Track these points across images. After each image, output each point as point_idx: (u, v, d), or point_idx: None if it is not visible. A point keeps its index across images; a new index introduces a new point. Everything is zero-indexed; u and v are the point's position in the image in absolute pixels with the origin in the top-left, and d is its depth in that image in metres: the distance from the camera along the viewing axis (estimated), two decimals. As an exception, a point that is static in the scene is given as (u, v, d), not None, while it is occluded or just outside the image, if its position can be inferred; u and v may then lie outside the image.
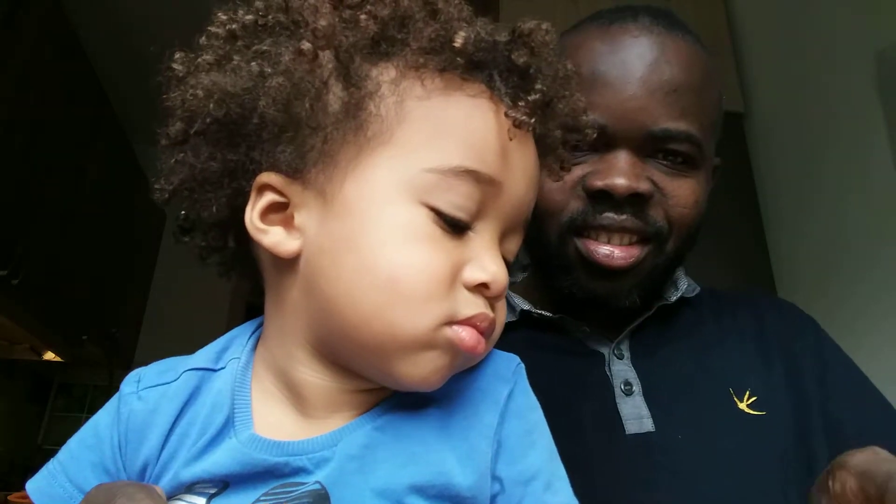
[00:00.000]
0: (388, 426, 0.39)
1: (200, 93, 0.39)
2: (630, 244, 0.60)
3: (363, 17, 0.38)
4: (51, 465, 0.42)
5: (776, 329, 0.69)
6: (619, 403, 0.61)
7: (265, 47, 0.39)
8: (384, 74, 0.38)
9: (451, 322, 0.37)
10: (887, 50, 1.40)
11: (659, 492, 0.56)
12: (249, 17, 0.41)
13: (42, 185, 1.97)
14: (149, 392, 0.42)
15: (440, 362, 0.38)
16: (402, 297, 0.36)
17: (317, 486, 0.36)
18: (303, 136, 0.38)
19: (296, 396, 0.41)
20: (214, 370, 0.43)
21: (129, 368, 0.44)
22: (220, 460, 0.38)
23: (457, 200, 0.37)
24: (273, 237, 0.39)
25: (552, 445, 0.42)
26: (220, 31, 0.41)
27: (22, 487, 0.41)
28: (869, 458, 0.39)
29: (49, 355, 2.47)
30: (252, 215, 0.39)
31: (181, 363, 0.44)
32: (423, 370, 0.37)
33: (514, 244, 0.43)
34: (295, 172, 0.38)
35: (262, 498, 0.37)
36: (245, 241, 0.42)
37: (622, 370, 0.63)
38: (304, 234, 0.39)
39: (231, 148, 0.40)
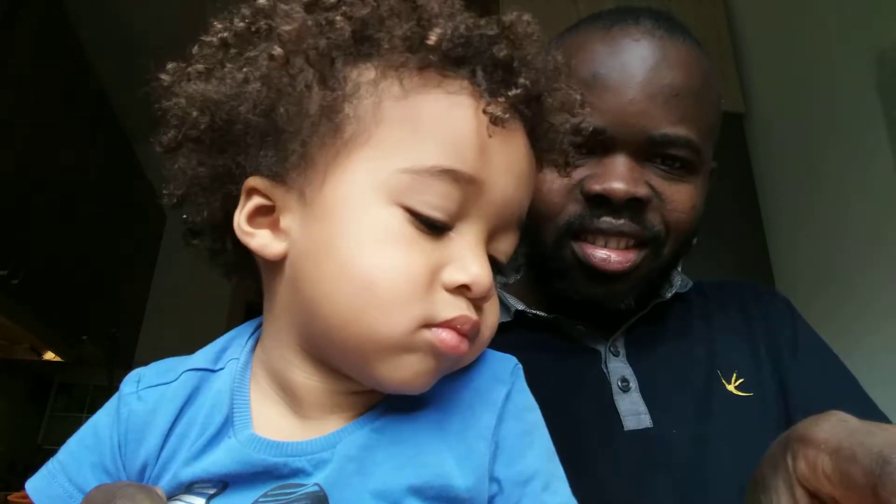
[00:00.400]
0: (387, 428, 0.39)
1: (184, 101, 0.40)
2: (627, 248, 0.60)
3: (339, 18, 0.38)
4: (50, 465, 0.42)
5: (758, 313, 0.70)
6: (616, 400, 0.61)
7: (253, 54, 0.39)
8: (364, 75, 0.38)
9: (429, 324, 0.36)
10: (887, 50, 1.40)
11: (658, 487, 0.57)
12: (241, 24, 0.41)
13: (42, 185, 1.97)
14: (148, 392, 0.42)
15: (423, 366, 0.37)
16: (377, 299, 0.36)
17: (315, 489, 0.36)
18: (283, 140, 0.38)
19: (291, 398, 0.41)
20: (214, 371, 0.43)
21: (129, 368, 0.44)
22: (219, 460, 0.38)
23: (433, 200, 0.37)
24: (259, 240, 0.40)
25: (550, 446, 0.42)
26: (213, 39, 0.41)
27: (22, 487, 0.41)
28: (838, 430, 0.34)
29: (49, 355, 2.47)
30: (239, 219, 0.40)
31: (181, 363, 0.44)
32: (405, 373, 0.37)
33: (506, 244, 0.42)
34: (278, 176, 0.39)
35: (260, 499, 0.37)
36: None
37: (618, 367, 0.63)
38: (289, 237, 0.39)
39: (219, 154, 0.40)
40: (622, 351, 0.65)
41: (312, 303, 0.38)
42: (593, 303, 0.62)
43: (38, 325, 2.12)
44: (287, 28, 0.38)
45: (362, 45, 0.38)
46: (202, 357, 0.44)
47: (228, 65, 0.40)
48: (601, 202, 0.59)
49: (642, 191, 0.58)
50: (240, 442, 0.38)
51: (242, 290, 3.12)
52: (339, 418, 0.40)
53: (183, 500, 0.37)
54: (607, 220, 0.59)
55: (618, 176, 0.58)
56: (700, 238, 0.66)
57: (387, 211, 0.37)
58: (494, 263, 0.41)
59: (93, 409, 0.43)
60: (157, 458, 0.40)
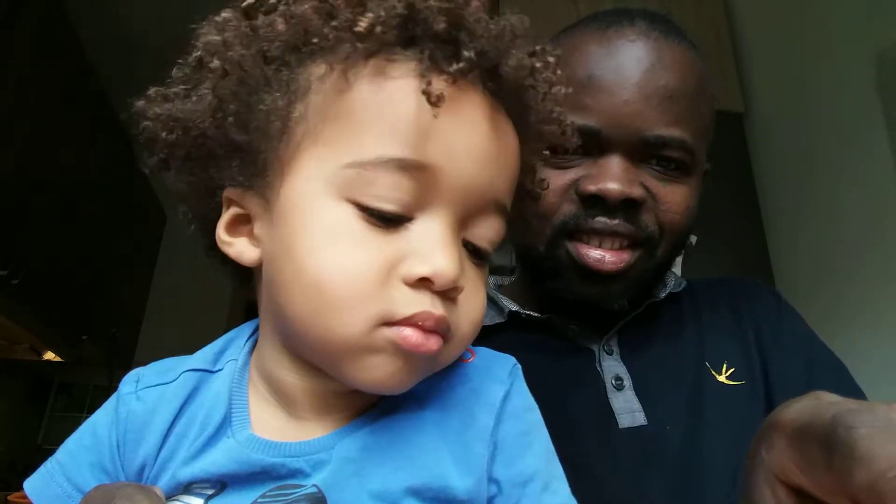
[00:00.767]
0: (385, 428, 0.39)
1: (150, 123, 0.40)
2: (621, 248, 0.60)
3: (279, 19, 0.37)
4: (49, 465, 0.42)
5: (746, 305, 0.71)
6: (610, 398, 0.61)
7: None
8: (314, 73, 0.37)
9: (389, 322, 0.35)
10: (887, 50, 1.40)
11: (654, 483, 0.57)
12: (202, 41, 0.41)
13: (42, 185, 1.97)
14: (147, 392, 0.42)
15: (392, 366, 0.36)
16: (328, 301, 0.35)
17: (313, 490, 0.36)
18: (244, 149, 0.38)
19: (284, 399, 0.41)
20: (212, 372, 0.43)
21: (129, 368, 0.44)
22: (217, 460, 0.38)
23: (382, 193, 0.35)
24: (236, 248, 0.40)
25: (550, 446, 0.42)
26: (190, 59, 0.41)
27: (22, 487, 0.41)
28: (804, 409, 0.28)
29: (49, 355, 2.47)
30: (219, 228, 0.41)
31: (180, 363, 0.44)
32: (375, 374, 0.36)
33: (486, 230, 0.39)
34: (246, 184, 0.39)
35: (259, 500, 0.37)
36: None
37: (612, 366, 0.64)
38: (262, 243, 0.39)
39: (200, 169, 0.41)
40: (616, 350, 0.65)
41: (280, 307, 0.38)
42: (587, 303, 0.62)
43: (38, 325, 2.12)
44: (214, 39, 0.38)
45: (308, 43, 0.37)
46: (201, 358, 0.44)
47: (192, 83, 0.40)
48: (596, 202, 0.59)
49: (637, 191, 0.58)
50: (238, 442, 0.38)
51: (242, 291, 3.11)
52: (335, 419, 0.40)
53: (181, 501, 0.37)
54: (602, 221, 0.59)
55: (612, 176, 0.58)
56: (700, 238, 0.67)
57: (337, 208, 0.36)
58: (477, 251, 0.39)
59: (93, 409, 0.43)
60: (156, 459, 0.40)
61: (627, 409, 0.61)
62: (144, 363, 0.45)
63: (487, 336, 0.65)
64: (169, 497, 0.38)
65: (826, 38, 1.62)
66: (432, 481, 0.36)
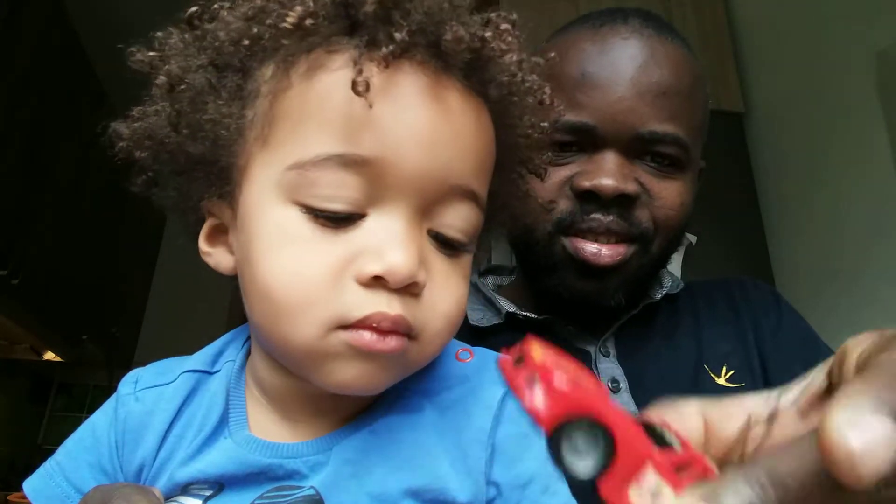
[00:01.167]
0: (383, 430, 0.39)
1: (124, 144, 0.41)
2: (617, 242, 0.60)
3: (220, 26, 0.37)
4: (48, 465, 0.42)
5: (745, 304, 0.71)
6: None
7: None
8: (264, 76, 0.37)
9: (343, 326, 0.33)
10: (887, 50, 1.40)
11: None
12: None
13: (42, 185, 1.97)
14: (146, 393, 0.42)
15: (356, 369, 0.34)
16: (280, 308, 0.34)
17: (311, 492, 0.36)
18: (204, 160, 0.38)
19: (276, 401, 0.41)
20: (211, 373, 0.43)
21: (129, 368, 0.44)
22: (215, 460, 0.38)
23: (327, 192, 0.33)
24: (214, 258, 0.41)
25: None
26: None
27: (22, 487, 0.41)
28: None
29: (49, 355, 2.47)
30: (200, 239, 0.41)
31: (179, 364, 0.44)
32: (341, 377, 0.35)
33: (453, 218, 0.37)
34: (217, 194, 0.39)
35: (256, 501, 0.37)
36: None
37: (609, 368, 0.64)
38: (235, 252, 0.39)
39: (176, 182, 0.41)
40: (612, 351, 0.65)
41: (248, 315, 0.38)
42: (584, 301, 0.62)
43: (38, 325, 2.11)
44: (153, 55, 0.38)
45: (250, 46, 0.36)
46: (200, 359, 0.44)
47: (154, 101, 0.40)
48: (591, 198, 0.59)
49: (631, 187, 0.59)
50: (235, 442, 0.39)
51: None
52: (330, 421, 0.40)
53: (179, 502, 0.37)
54: (597, 218, 0.59)
55: (607, 172, 0.58)
56: (700, 238, 0.66)
57: (285, 212, 0.34)
58: (447, 242, 0.37)
59: (93, 409, 0.43)
60: (155, 459, 0.40)
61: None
62: (144, 363, 0.45)
63: (485, 337, 0.65)
64: (167, 498, 0.38)
65: (826, 38, 1.62)
66: (431, 483, 0.36)
